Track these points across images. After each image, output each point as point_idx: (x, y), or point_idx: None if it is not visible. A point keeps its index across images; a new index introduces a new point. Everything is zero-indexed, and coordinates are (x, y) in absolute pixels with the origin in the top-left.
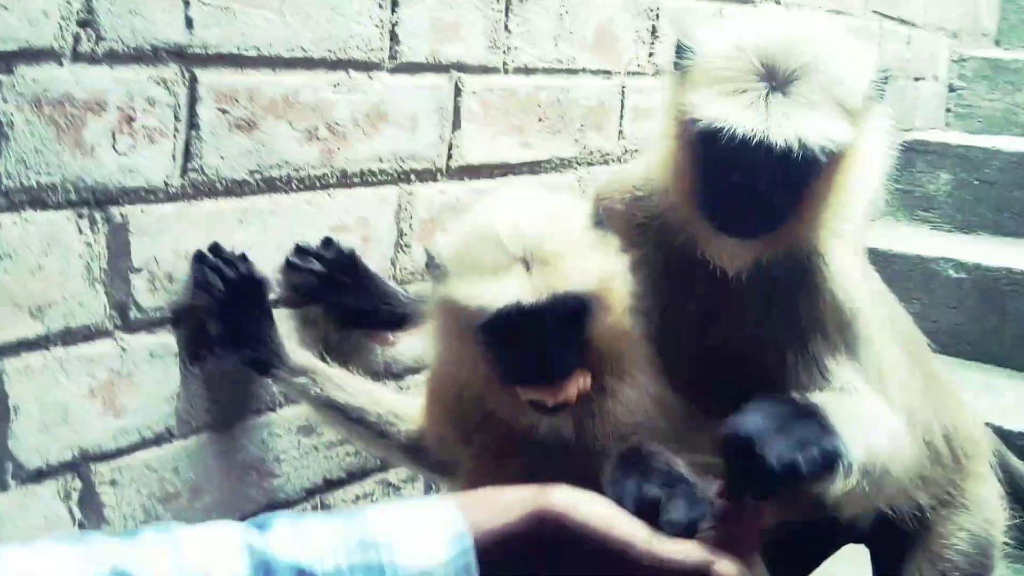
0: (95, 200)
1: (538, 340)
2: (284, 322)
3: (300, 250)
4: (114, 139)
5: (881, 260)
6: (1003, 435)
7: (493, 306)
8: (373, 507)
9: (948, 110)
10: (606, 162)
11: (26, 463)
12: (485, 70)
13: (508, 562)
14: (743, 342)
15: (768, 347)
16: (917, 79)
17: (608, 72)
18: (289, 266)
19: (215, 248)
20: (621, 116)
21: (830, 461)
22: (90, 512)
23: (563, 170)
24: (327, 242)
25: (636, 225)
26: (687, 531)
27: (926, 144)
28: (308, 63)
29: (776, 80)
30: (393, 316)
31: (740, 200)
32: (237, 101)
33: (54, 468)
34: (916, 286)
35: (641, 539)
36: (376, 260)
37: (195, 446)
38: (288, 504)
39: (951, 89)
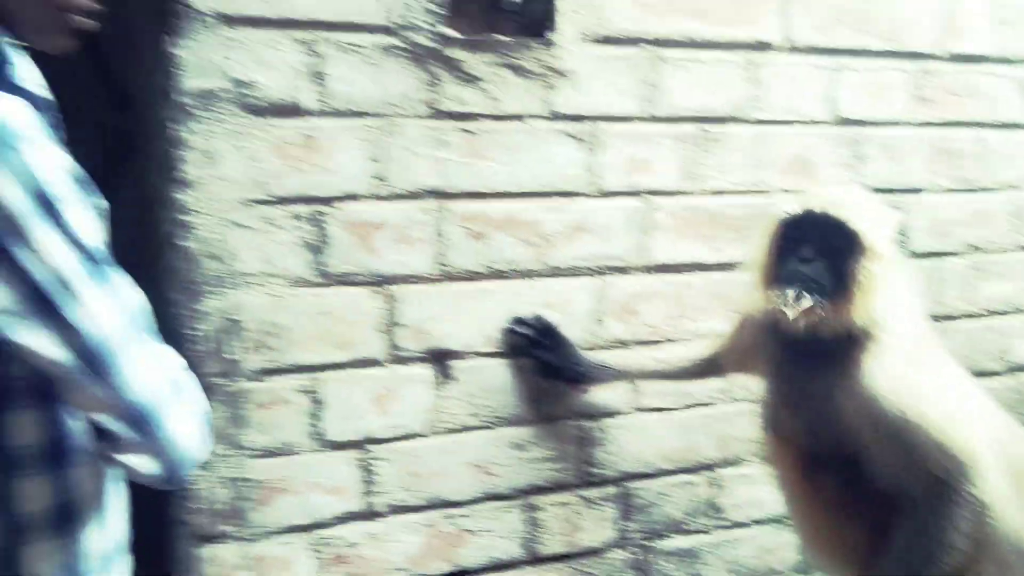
0: (380, 281)
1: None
2: (503, 368)
3: (516, 320)
4: (393, 246)
5: None
6: None
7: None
8: None
9: None
10: None
11: (331, 437)
12: (677, 193)
13: None
14: (815, 415)
15: (828, 424)
16: None
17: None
18: (508, 330)
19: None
20: None
21: None
22: (368, 475)
23: None
24: (536, 316)
25: (756, 324)
26: None
27: None
28: (525, 194)
29: (834, 203)
30: (578, 374)
31: (805, 268)
32: (473, 221)
33: (347, 443)
34: None
35: None
36: (577, 331)
37: (437, 444)
38: (501, 498)
39: None
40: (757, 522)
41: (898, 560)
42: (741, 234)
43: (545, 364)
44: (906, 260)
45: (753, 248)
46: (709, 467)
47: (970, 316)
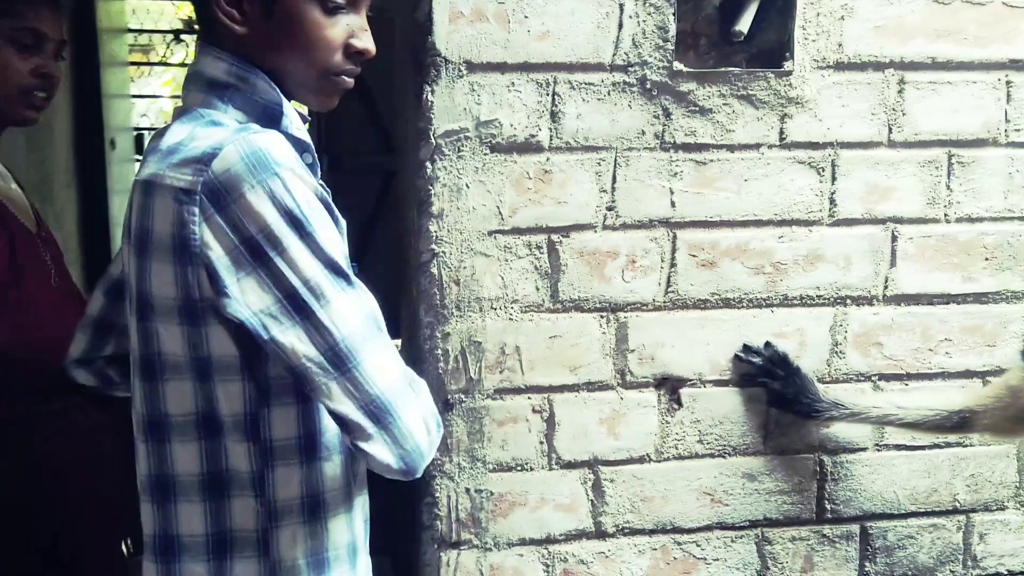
0: (609, 308)
1: None
2: (734, 396)
3: (746, 348)
4: (623, 274)
5: None
6: None
7: None
8: None
9: None
10: None
11: (562, 456)
12: (923, 221)
13: None
14: None
15: None
16: None
17: None
18: (737, 358)
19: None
20: None
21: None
22: (597, 495)
23: (1014, 301)
24: (767, 345)
25: None
26: None
27: None
28: (757, 223)
29: None
30: (811, 408)
31: None
32: (703, 249)
33: (577, 463)
34: None
35: None
36: (812, 362)
37: (665, 469)
38: (732, 528)
39: None
40: (1013, 573)
41: None
42: (996, 263)
43: (777, 394)
44: None
45: None
46: (960, 511)
47: None
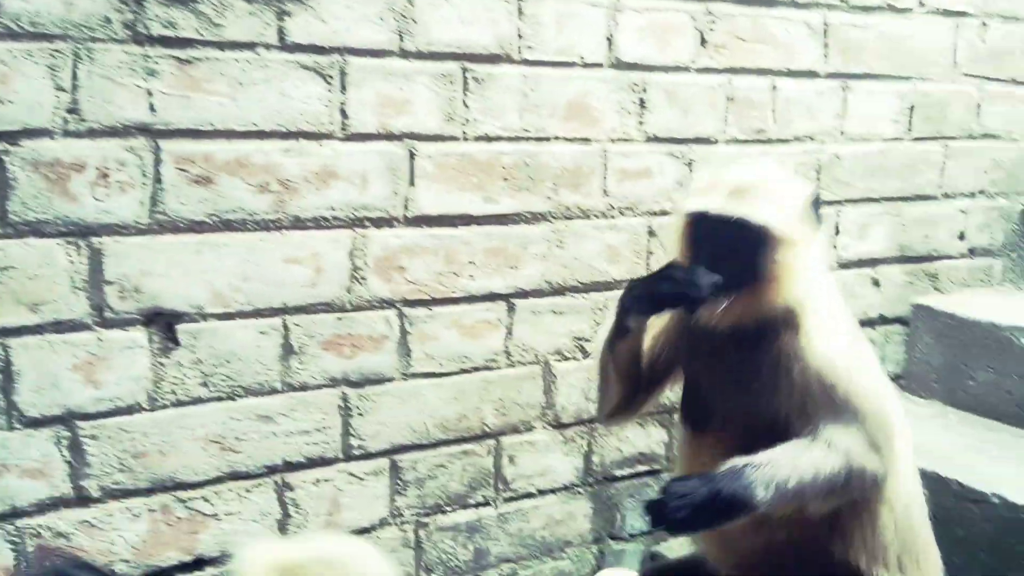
0: (78, 232)
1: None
2: (242, 330)
3: None
4: (93, 190)
5: (955, 327)
6: None
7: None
8: None
9: None
10: (588, 217)
11: (26, 412)
12: (441, 138)
13: None
14: (753, 399)
15: (767, 405)
16: None
17: (586, 139)
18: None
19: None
20: (604, 177)
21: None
22: (76, 456)
23: (535, 223)
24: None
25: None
26: None
27: None
28: (260, 134)
29: (737, 191)
30: None
31: (710, 266)
32: (194, 163)
33: (47, 419)
34: (989, 354)
35: None
36: (330, 287)
37: (163, 418)
38: (246, 477)
39: None
40: (544, 492)
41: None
42: (515, 183)
43: None
44: (819, 231)
45: (668, 249)
46: (490, 435)
47: None
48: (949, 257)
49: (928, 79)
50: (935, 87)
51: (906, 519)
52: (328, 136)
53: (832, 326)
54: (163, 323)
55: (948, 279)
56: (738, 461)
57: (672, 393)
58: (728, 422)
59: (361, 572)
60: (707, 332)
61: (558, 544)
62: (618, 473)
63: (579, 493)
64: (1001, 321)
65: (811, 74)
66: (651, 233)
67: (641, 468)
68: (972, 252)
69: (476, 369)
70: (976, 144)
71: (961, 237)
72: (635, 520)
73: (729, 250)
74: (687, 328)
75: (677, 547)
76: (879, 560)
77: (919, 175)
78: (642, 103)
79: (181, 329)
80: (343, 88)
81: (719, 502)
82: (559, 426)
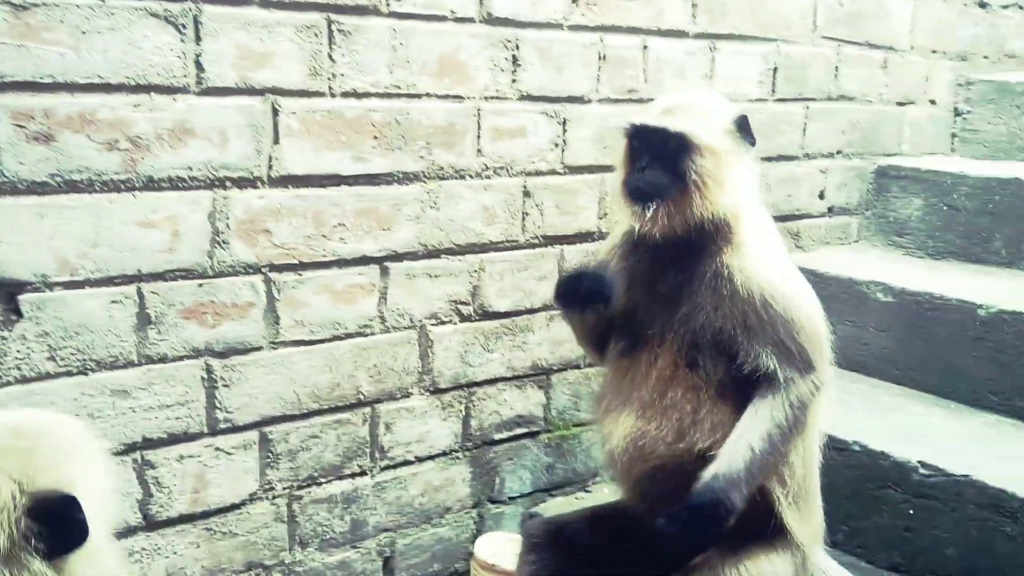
0: None
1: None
2: (94, 299)
3: None
4: None
5: (814, 282)
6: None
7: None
8: None
9: (954, 135)
10: (462, 177)
11: None
12: (306, 94)
13: None
14: (693, 313)
15: (708, 320)
16: (902, 104)
17: (460, 97)
18: None
19: None
20: (478, 136)
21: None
22: None
23: (407, 183)
24: None
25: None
26: None
27: (898, 169)
28: (106, 87)
29: (667, 109)
30: None
31: (643, 176)
32: (33, 118)
33: None
34: (848, 308)
35: None
36: (189, 252)
37: (7, 396)
38: None
39: (957, 113)
40: (422, 459)
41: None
42: (387, 142)
43: None
44: (748, 152)
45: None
46: (366, 403)
47: None
48: (809, 216)
49: (790, 41)
50: (796, 49)
51: (811, 444)
52: (182, 90)
53: (764, 240)
54: (4, 293)
55: (809, 237)
56: (705, 474)
57: (552, 352)
58: (668, 337)
59: (60, 437)
60: (647, 257)
61: (437, 511)
62: (497, 436)
63: (457, 458)
64: (858, 276)
65: (681, 34)
66: (526, 193)
67: (520, 431)
68: (831, 211)
69: (349, 335)
70: (834, 105)
71: (821, 196)
72: (514, 483)
73: (658, 159)
74: (631, 262)
75: (556, 508)
76: (785, 483)
77: (782, 135)
78: (515, 60)
79: (24, 300)
80: (198, 38)
81: (702, 517)
82: (436, 391)
